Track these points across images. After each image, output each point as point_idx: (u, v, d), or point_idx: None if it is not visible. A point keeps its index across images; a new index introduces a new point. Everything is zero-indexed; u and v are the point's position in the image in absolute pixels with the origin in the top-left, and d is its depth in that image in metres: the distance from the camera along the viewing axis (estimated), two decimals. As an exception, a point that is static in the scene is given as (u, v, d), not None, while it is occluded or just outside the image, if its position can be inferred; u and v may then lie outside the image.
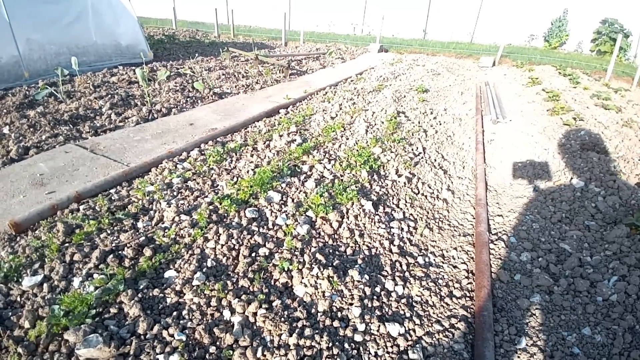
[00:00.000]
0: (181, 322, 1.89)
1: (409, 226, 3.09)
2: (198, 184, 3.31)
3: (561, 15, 14.77)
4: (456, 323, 2.27)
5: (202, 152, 3.99)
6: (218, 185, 3.33)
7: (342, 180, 3.52)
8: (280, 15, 14.97)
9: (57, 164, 3.62)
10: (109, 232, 2.55)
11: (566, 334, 2.23)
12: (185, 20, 19.60)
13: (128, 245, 2.34)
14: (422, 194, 3.62)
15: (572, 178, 3.96)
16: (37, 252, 2.36)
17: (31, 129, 4.39)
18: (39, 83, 6.16)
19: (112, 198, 3.01)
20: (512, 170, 4.33)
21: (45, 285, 2.10)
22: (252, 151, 4.11)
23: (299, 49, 13.48)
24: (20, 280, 2.16)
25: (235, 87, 7.03)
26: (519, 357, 2.09)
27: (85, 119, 4.84)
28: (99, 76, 6.95)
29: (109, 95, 5.67)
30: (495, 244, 3.05)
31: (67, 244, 2.42)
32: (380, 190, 3.50)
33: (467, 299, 2.49)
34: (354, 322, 2.07)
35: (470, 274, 2.70)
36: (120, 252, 2.33)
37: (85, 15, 7.94)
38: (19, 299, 2.06)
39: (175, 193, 3.13)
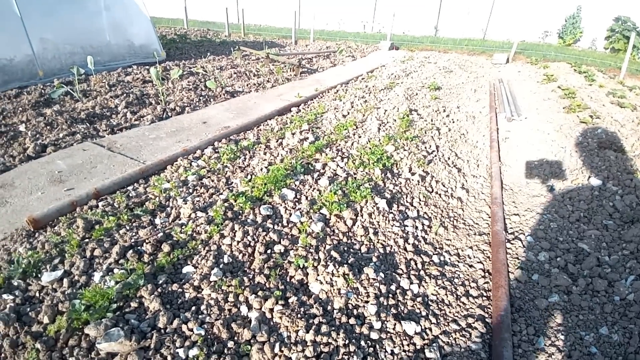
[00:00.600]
0: (200, 316, 1.91)
1: (423, 224, 3.07)
2: (213, 181, 3.34)
3: (575, 11, 14.47)
4: (473, 323, 2.25)
5: (216, 150, 4.03)
6: (232, 182, 3.36)
7: (355, 178, 3.51)
8: (290, 14, 14.98)
9: (75, 162, 3.69)
10: (127, 228, 2.59)
11: (584, 333, 2.21)
12: (197, 20, 19.76)
13: (147, 241, 2.37)
14: (436, 193, 3.60)
15: (589, 177, 3.88)
16: (57, 247, 2.40)
17: (48, 127, 4.47)
18: (54, 82, 6.27)
19: (130, 195, 3.05)
20: (528, 168, 4.26)
21: (65, 280, 2.13)
22: (265, 149, 4.13)
23: (309, 48, 13.49)
24: (39, 275, 2.18)
25: (247, 85, 7.07)
26: (537, 357, 2.07)
27: (101, 118, 4.92)
28: (113, 75, 7.05)
29: (125, 94, 5.75)
30: (512, 244, 3.01)
31: (87, 240, 2.46)
32: (393, 188, 3.48)
33: (484, 298, 2.46)
34: (370, 319, 2.07)
35: (486, 274, 2.68)
36: (139, 247, 2.36)
37: (99, 15, 8.05)
38: (37, 294, 2.08)
39: (190, 190, 3.16)
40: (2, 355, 1.73)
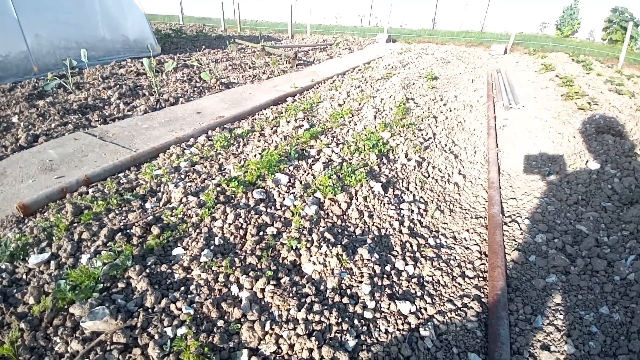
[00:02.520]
0: (189, 296, 1.87)
1: (419, 208, 3.03)
2: (205, 167, 3.29)
3: (572, 3, 14.40)
4: (469, 302, 2.21)
5: (210, 138, 3.98)
6: (225, 168, 3.31)
7: (350, 163, 3.46)
8: (286, 8, 14.89)
9: (67, 151, 3.64)
10: (117, 212, 2.54)
11: (583, 313, 2.17)
12: (192, 16, 19.65)
13: (136, 224, 2.33)
14: (433, 178, 3.55)
15: (587, 161, 3.84)
16: (45, 231, 2.36)
17: (40, 118, 4.42)
18: (47, 76, 6.21)
19: (121, 181, 3.00)
20: (526, 154, 4.22)
21: (52, 262, 2.09)
22: (259, 136, 4.08)
23: (306, 41, 13.40)
24: (26, 258, 2.14)
25: (242, 77, 7.00)
26: (535, 336, 2.03)
27: (94, 109, 4.86)
28: (107, 68, 6.99)
29: (118, 86, 5.69)
30: (509, 226, 2.97)
31: (75, 224, 2.41)
32: (389, 173, 3.43)
33: (480, 279, 2.43)
34: (364, 299, 2.03)
35: (483, 255, 2.64)
36: (128, 230, 2.32)
37: (93, 10, 7.97)
38: (24, 276, 2.05)
39: (182, 176, 3.11)
40: None
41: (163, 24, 16.64)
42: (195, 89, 5.97)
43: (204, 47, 10.24)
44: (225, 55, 9.19)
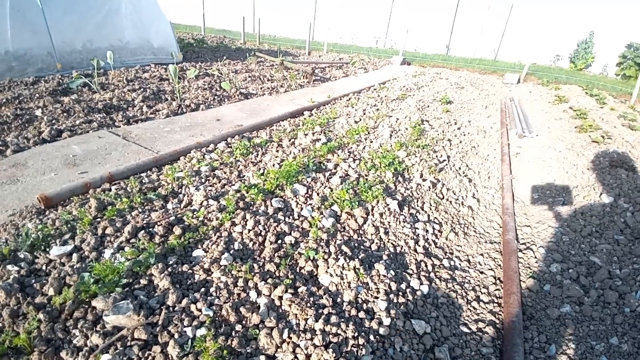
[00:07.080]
0: (209, 298, 1.89)
1: (433, 229, 3.04)
2: (225, 173, 3.35)
3: (587, 37, 14.61)
4: (484, 327, 2.21)
5: (229, 145, 4.05)
6: (244, 175, 3.36)
7: (366, 179, 3.50)
8: (305, 26, 15.27)
9: (90, 147, 3.73)
10: (140, 210, 2.59)
11: (594, 343, 2.21)
12: (213, 27, 20.18)
13: (159, 223, 2.37)
14: (447, 200, 3.57)
15: (601, 193, 3.85)
16: (68, 224, 2.39)
17: (65, 114, 4.53)
18: (72, 74, 6.38)
19: (143, 181, 3.06)
20: (540, 183, 4.24)
21: (74, 255, 2.11)
22: (277, 147, 4.15)
23: (323, 58, 13.67)
24: (47, 249, 2.15)
25: (261, 89, 7.15)
26: (549, 365, 2.01)
27: (118, 109, 4.99)
28: (132, 72, 7.18)
29: (142, 89, 5.84)
30: (523, 253, 2.97)
31: (99, 219, 2.46)
32: (405, 191, 3.46)
33: (495, 304, 2.43)
34: (380, 315, 2.03)
35: (497, 281, 2.64)
36: (151, 229, 2.35)
37: (120, 15, 8.22)
38: (44, 267, 2.05)
39: (203, 180, 3.17)
40: (0, 324, 1.68)
41: (185, 33, 17.10)
42: (215, 97, 6.10)
43: (224, 57, 10.49)
44: (244, 66, 9.41)
